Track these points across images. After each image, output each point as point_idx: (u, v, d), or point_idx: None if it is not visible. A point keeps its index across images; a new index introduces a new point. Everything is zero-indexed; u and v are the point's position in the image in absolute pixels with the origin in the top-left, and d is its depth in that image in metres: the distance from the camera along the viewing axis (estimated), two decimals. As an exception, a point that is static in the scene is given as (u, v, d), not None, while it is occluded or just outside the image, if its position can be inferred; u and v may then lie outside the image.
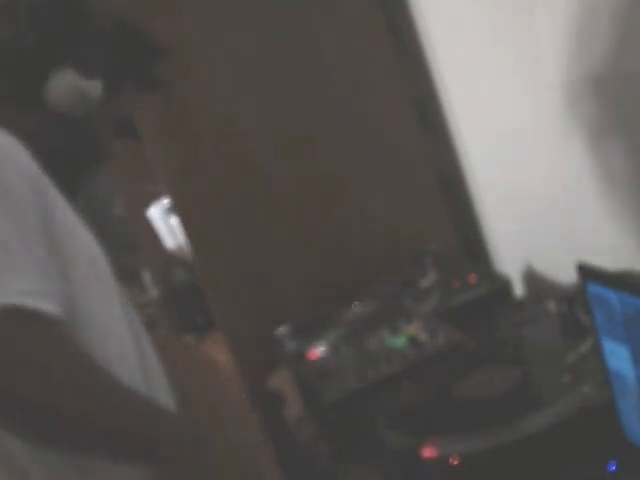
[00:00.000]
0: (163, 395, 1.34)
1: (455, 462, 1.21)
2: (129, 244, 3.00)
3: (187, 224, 2.03)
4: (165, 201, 2.50)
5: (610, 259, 1.69)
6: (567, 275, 1.33)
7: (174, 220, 2.40)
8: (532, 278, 1.98)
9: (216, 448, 1.31)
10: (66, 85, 1.27)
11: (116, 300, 1.28)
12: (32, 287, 1.06)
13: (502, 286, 1.80)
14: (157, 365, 1.36)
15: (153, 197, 2.58)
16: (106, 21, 1.33)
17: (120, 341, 1.25)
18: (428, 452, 1.24)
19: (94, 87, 1.29)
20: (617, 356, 1.09)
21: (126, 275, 3.19)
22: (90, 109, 1.31)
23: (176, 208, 2.10)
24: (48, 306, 1.06)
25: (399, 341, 1.64)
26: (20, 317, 1.03)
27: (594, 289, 1.08)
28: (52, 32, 1.27)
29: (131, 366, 1.26)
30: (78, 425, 1.07)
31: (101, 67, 1.30)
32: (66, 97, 1.27)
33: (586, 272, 1.10)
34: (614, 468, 1.16)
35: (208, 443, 1.24)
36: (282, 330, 1.89)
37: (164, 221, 2.57)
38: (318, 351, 1.73)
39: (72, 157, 1.36)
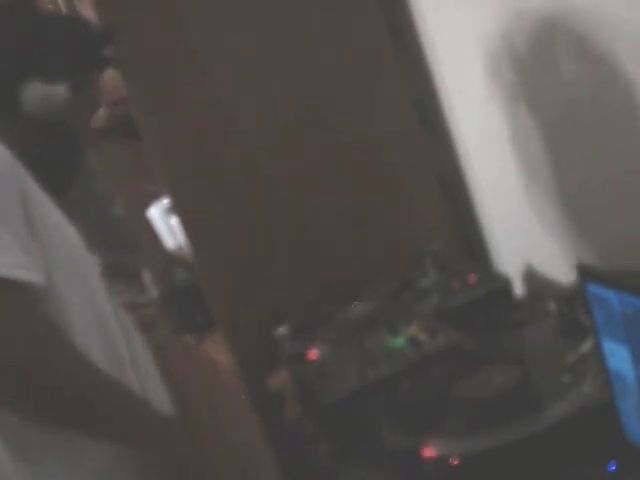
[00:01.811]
0: (158, 395, 1.34)
1: (455, 462, 1.21)
2: (129, 244, 3.00)
3: (187, 224, 2.03)
4: (165, 201, 2.50)
5: (610, 259, 1.69)
6: (567, 275, 1.34)
7: (174, 220, 2.40)
8: (532, 278, 1.98)
9: (216, 450, 1.32)
10: (36, 95, 1.38)
11: (100, 293, 1.30)
12: (17, 261, 1.10)
13: (502, 286, 1.80)
14: (151, 367, 1.37)
15: (153, 197, 2.58)
16: (56, 22, 1.42)
17: (104, 329, 1.26)
18: (428, 452, 1.24)
19: (59, 91, 1.38)
20: (617, 356, 1.09)
21: (126, 275, 3.21)
22: (62, 110, 1.39)
23: (176, 208, 2.10)
24: (35, 277, 1.11)
25: (399, 341, 1.64)
26: (6, 289, 1.08)
27: (594, 289, 1.08)
28: (12, 52, 1.39)
29: (120, 362, 1.27)
30: (46, 395, 1.11)
31: (62, 70, 1.39)
32: (38, 105, 1.37)
33: (586, 272, 1.10)
34: (614, 468, 1.16)
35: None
36: (282, 330, 1.89)
37: (164, 221, 2.57)
38: (318, 351, 1.73)
39: (56, 157, 1.43)
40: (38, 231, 1.17)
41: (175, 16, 1.96)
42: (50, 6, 2.35)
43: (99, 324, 1.26)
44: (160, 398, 1.35)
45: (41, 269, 1.14)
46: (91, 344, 1.21)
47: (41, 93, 1.38)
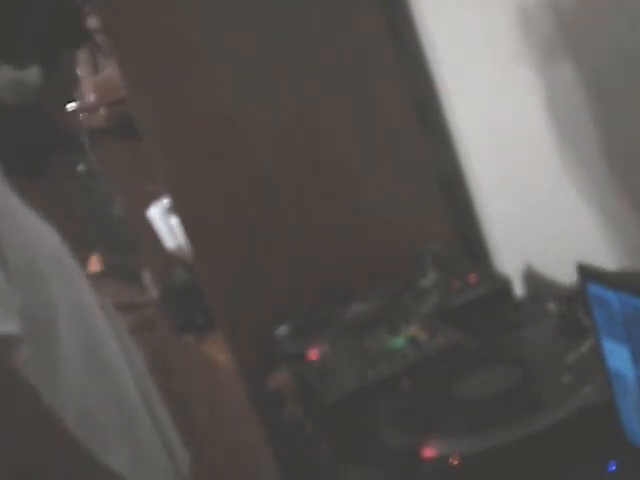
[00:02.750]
0: (154, 395, 1.33)
1: (455, 462, 1.21)
2: (129, 244, 3.00)
3: (187, 224, 2.03)
4: (165, 201, 2.50)
5: (610, 259, 1.69)
6: (567, 275, 1.33)
7: (174, 220, 2.40)
8: (532, 278, 1.98)
9: (216, 450, 1.29)
10: (6, 80, 1.28)
11: (88, 297, 1.26)
12: None
13: (502, 286, 1.80)
14: (146, 370, 1.35)
15: (153, 197, 2.58)
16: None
17: (91, 333, 1.24)
18: (428, 452, 1.24)
19: (32, 74, 1.30)
20: (617, 356, 1.09)
21: (126, 275, 3.21)
22: (35, 94, 1.31)
23: (176, 208, 2.10)
24: (7, 327, 1.04)
25: (399, 341, 1.64)
26: None
27: (594, 289, 1.08)
28: None
29: (111, 367, 1.25)
30: None
31: (34, 51, 1.30)
32: (9, 91, 1.28)
33: (586, 272, 1.10)
34: (614, 468, 1.16)
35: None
36: (282, 330, 1.89)
37: (164, 221, 2.57)
38: (318, 351, 1.73)
39: (28, 143, 1.36)
40: (9, 248, 1.09)
41: (175, 16, 1.96)
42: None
43: (86, 328, 1.23)
44: (156, 398, 1.34)
45: (14, 309, 1.06)
46: (75, 351, 1.19)
47: (11, 78, 1.28)
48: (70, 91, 1.45)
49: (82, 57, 2.48)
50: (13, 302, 1.07)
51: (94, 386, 1.22)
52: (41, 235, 1.21)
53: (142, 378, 1.32)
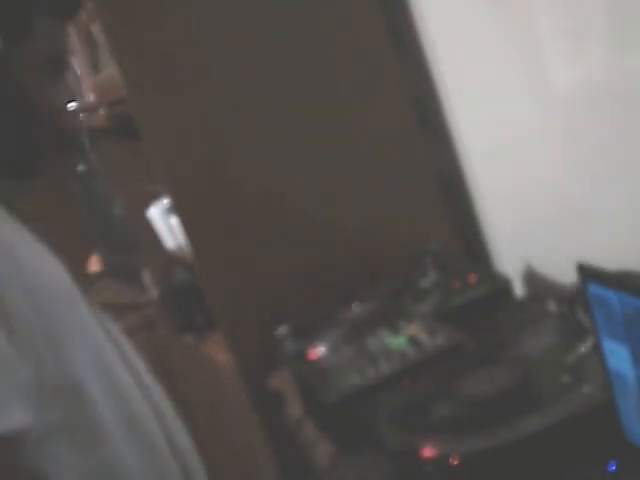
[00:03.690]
0: (167, 407, 1.31)
1: (455, 462, 1.21)
2: (129, 244, 3.00)
3: (187, 224, 2.03)
4: (165, 201, 2.50)
5: (610, 259, 1.69)
6: (567, 275, 1.34)
7: (174, 220, 2.40)
8: (532, 278, 1.98)
9: (216, 450, 1.25)
10: None
11: (101, 335, 1.20)
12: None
13: (502, 286, 1.80)
14: (157, 388, 1.32)
15: (153, 197, 2.58)
16: None
17: (107, 368, 1.17)
18: (428, 452, 1.24)
19: None
20: (617, 356, 1.09)
21: (126, 275, 3.21)
22: None
23: (176, 208, 2.10)
24: (20, 420, 0.98)
25: (399, 341, 1.64)
26: None
27: (594, 289, 1.08)
28: None
29: (129, 395, 1.20)
30: None
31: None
32: None
33: (586, 272, 1.10)
34: (614, 468, 1.16)
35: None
36: (282, 330, 1.89)
37: (164, 221, 2.57)
38: (318, 351, 1.73)
39: (30, 141, 1.25)
40: (13, 307, 1.00)
41: (175, 16, 1.96)
42: None
43: (97, 359, 1.14)
44: (169, 410, 1.32)
45: (25, 385, 0.98)
46: (107, 408, 1.11)
47: None
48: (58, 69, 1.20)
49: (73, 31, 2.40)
50: (24, 377, 1.00)
51: (129, 446, 1.14)
52: (45, 275, 1.11)
53: (167, 425, 1.26)
